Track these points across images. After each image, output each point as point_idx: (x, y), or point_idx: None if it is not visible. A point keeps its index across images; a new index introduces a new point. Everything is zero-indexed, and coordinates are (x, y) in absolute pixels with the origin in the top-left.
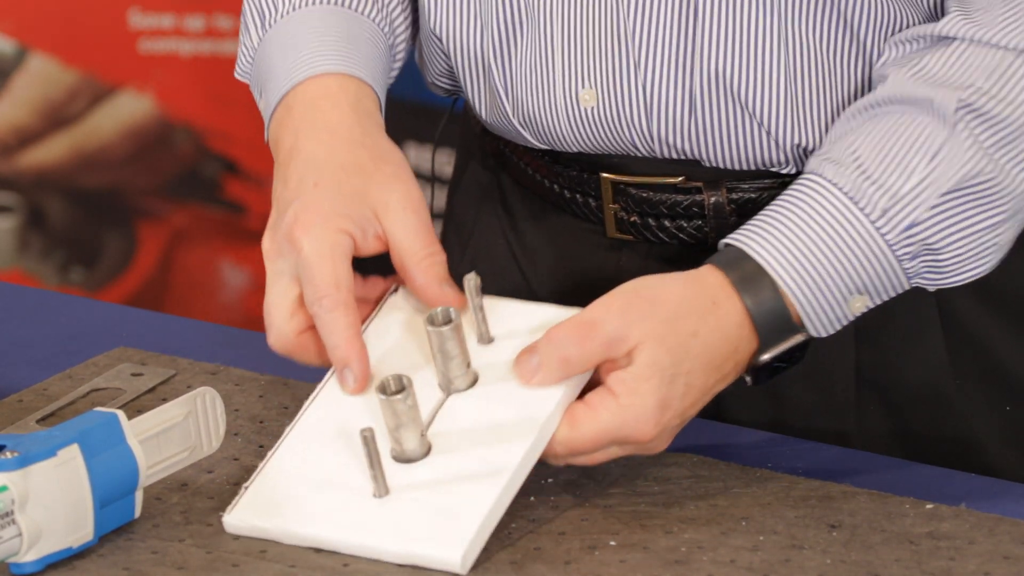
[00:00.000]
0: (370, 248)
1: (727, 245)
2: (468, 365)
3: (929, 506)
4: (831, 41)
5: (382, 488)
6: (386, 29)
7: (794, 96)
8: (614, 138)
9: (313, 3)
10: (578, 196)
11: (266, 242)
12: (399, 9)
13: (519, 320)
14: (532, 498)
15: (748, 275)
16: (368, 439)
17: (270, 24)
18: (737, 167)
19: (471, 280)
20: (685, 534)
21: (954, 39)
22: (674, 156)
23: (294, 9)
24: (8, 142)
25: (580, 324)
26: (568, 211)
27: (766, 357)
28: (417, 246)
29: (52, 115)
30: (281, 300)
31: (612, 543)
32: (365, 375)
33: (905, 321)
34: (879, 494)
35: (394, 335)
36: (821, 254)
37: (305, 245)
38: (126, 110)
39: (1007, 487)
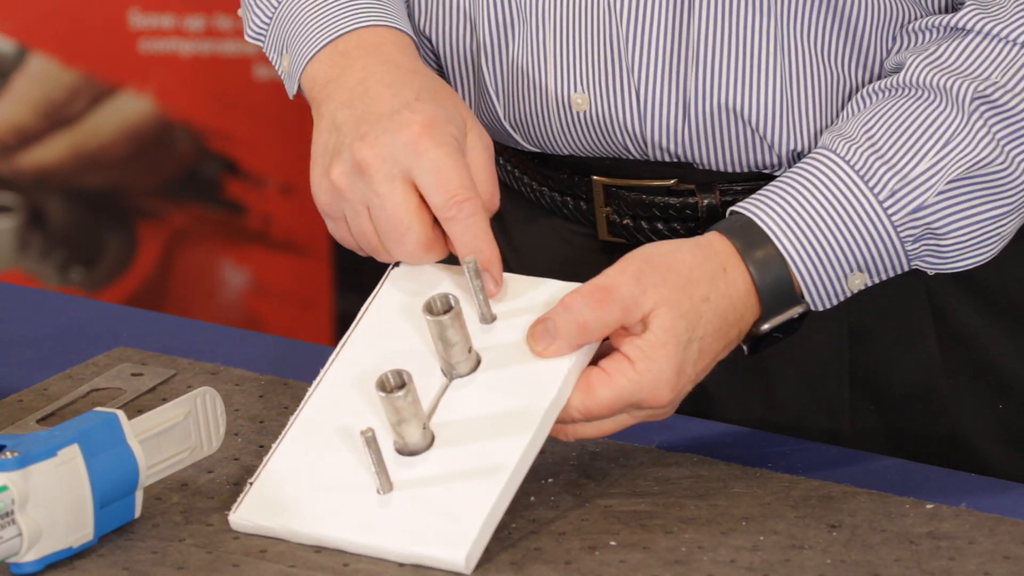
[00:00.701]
0: None
1: (733, 213)
2: (470, 350)
3: (929, 506)
4: (828, 44)
5: (386, 485)
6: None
7: (789, 102)
8: (606, 141)
9: None
10: (569, 199)
11: (363, 151)
12: None
13: (520, 296)
14: (532, 498)
15: (753, 243)
16: (370, 440)
17: None
18: (731, 170)
19: (471, 263)
20: (685, 534)
21: (970, 31)
22: (667, 159)
23: None
24: (8, 142)
25: (596, 290)
26: (559, 214)
27: (766, 327)
28: (487, 181)
29: (52, 115)
30: (409, 203)
31: (612, 543)
32: (501, 278)
33: (898, 321)
34: (879, 494)
35: (397, 313)
36: (826, 227)
37: (430, 148)
38: (126, 110)
39: (1007, 487)
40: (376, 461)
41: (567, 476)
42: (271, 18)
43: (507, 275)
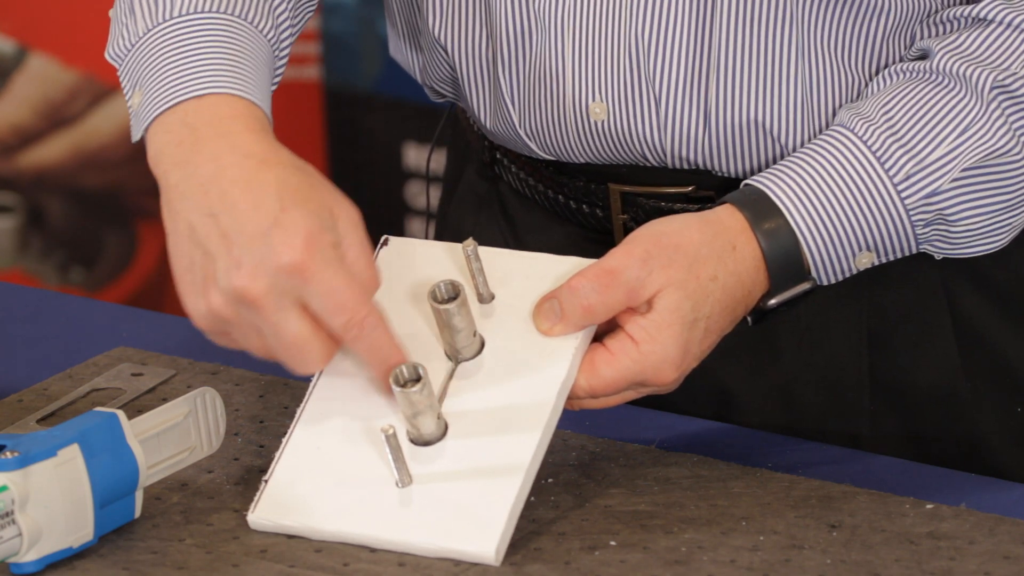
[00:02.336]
0: None
1: (746, 185)
2: (474, 333)
3: (929, 506)
4: (848, 48)
5: (406, 479)
6: (275, 51)
7: (810, 109)
8: (624, 150)
9: (209, 9)
10: (585, 207)
11: (243, 281)
12: (287, 24)
13: (518, 274)
14: (532, 498)
15: (764, 214)
16: (391, 437)
17: (163, 17)
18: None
19: (469, 247)
20: (685, 534)
21: (991, 22)
22: (685, 167)
23: (190, 12)
24: (8, 142)
25: (602, 273)
26: (574, 221)
27: (773, 302)
28: (367, 268)
29: (52, 115)
30: (305, 328)
31: (612, 543)
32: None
33: (917, 325)
34: (879, 494)
35: (390, 295)
36: (838, 204)
37: (316, 272)
38: (126, 110)
39: (1007, 487)
40: (396, 457)
41: (567, 476)
42: (133, 46)
43: (499, 251)
